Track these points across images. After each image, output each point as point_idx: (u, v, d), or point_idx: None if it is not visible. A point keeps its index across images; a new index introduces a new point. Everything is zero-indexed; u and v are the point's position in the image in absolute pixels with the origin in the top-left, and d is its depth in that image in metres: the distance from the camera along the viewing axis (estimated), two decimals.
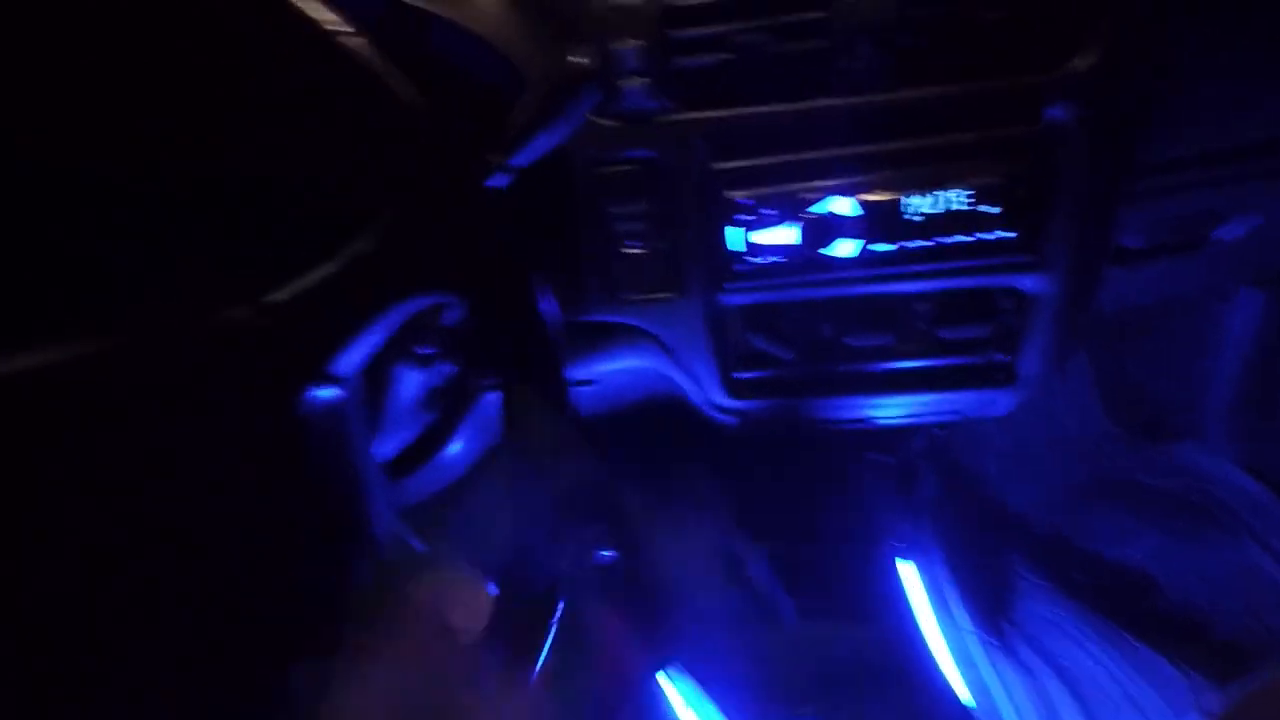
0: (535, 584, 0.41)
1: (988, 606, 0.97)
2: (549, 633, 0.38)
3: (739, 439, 0.81)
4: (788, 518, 0.91)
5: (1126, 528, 1.10)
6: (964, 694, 0.90)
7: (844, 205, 0.54)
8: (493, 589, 0.37)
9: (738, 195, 0.54)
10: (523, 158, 0.43)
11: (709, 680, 0.82)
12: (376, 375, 0.53)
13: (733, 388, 0.65)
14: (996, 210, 0.54)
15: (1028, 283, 0.59)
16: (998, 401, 0.68)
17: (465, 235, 0.34)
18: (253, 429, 0.29)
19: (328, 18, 0.32)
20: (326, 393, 0.31)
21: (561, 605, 0.40)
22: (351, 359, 0.31)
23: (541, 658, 0.37)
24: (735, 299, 0.61)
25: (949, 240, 0.55)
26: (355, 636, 0.33)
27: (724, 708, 0.80)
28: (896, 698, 0.83)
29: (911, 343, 0.63)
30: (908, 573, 0.94)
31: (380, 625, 0.34)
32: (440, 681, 0.34)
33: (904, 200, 0.54)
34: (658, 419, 0.83)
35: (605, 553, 0.47)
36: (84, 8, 0.24)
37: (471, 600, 0.39)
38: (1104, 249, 0.58)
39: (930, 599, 0.94)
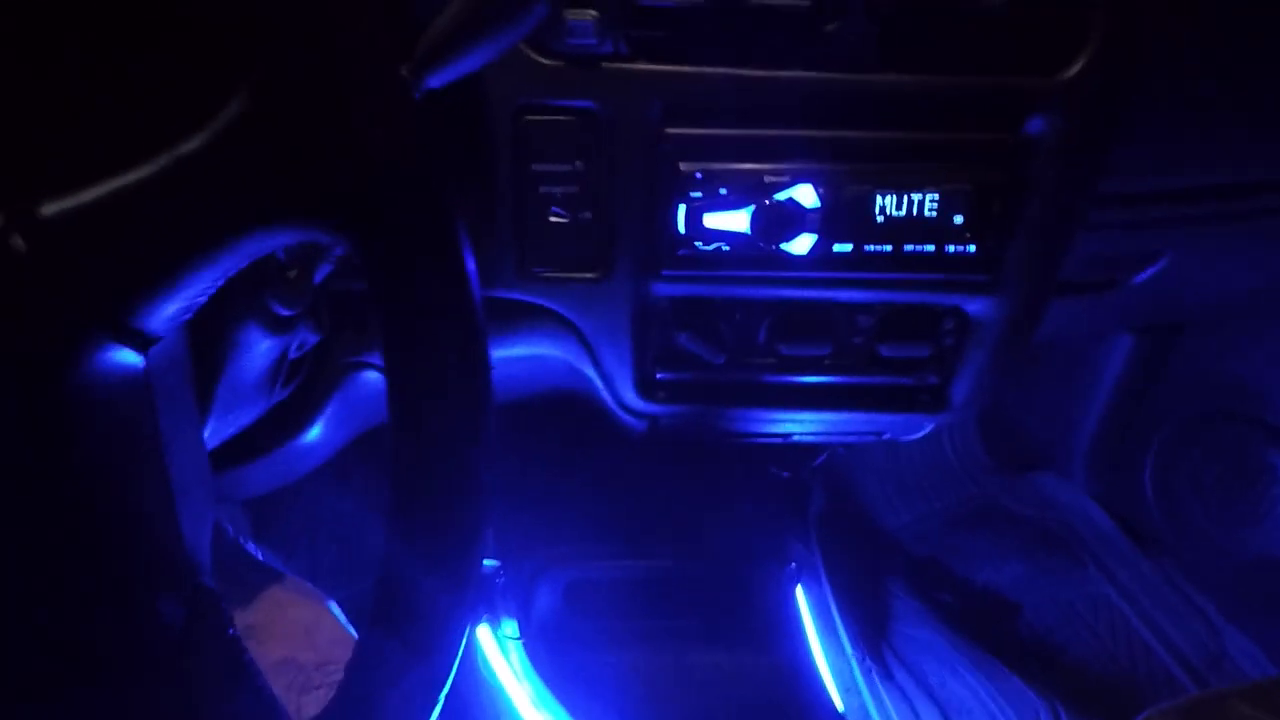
0: None
1: (868, 629, 0.96)
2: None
3: (638, 445, 0.74)
4: (677, 532, 0.84)
5: (994, 553, 1.13)
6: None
7: (807, 195, 0.47)
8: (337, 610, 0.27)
9: (693, 168, 0.46)
10: (441, 75, 0.33)
11: (582, 705, 0.75)
12: (212, 336, 0.41)
13: (649, 390, 0.57)
14: (960, 220, 0.50)
15: (976, 305, 0.55)
16: (921, 425, 0.65)
17: (355, 149, 0.24)
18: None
19: None
20: (122, 355, 0.20)
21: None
22: (166, 310, 0.20)
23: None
24: (669, 290, 0.53)
25: (910, 249, 0.50)
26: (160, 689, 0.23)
27: None
28: None
29: (849, 356, 0.57)
30: (799, 594, 0.91)
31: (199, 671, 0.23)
32: None
33: (871, 198, 0.48)
34: (555, 414, 0.75)
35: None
36: None
37: (314, 626, 0.28)
38: (1054, 278, 0.56)
39: (815, 620, 0.91)
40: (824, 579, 0.93)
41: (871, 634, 0.96)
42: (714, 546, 0.86)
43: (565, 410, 0.70)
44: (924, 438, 1.13)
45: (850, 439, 0.70)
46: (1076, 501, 1.19)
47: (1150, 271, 0.73)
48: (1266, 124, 0.58)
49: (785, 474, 0.91)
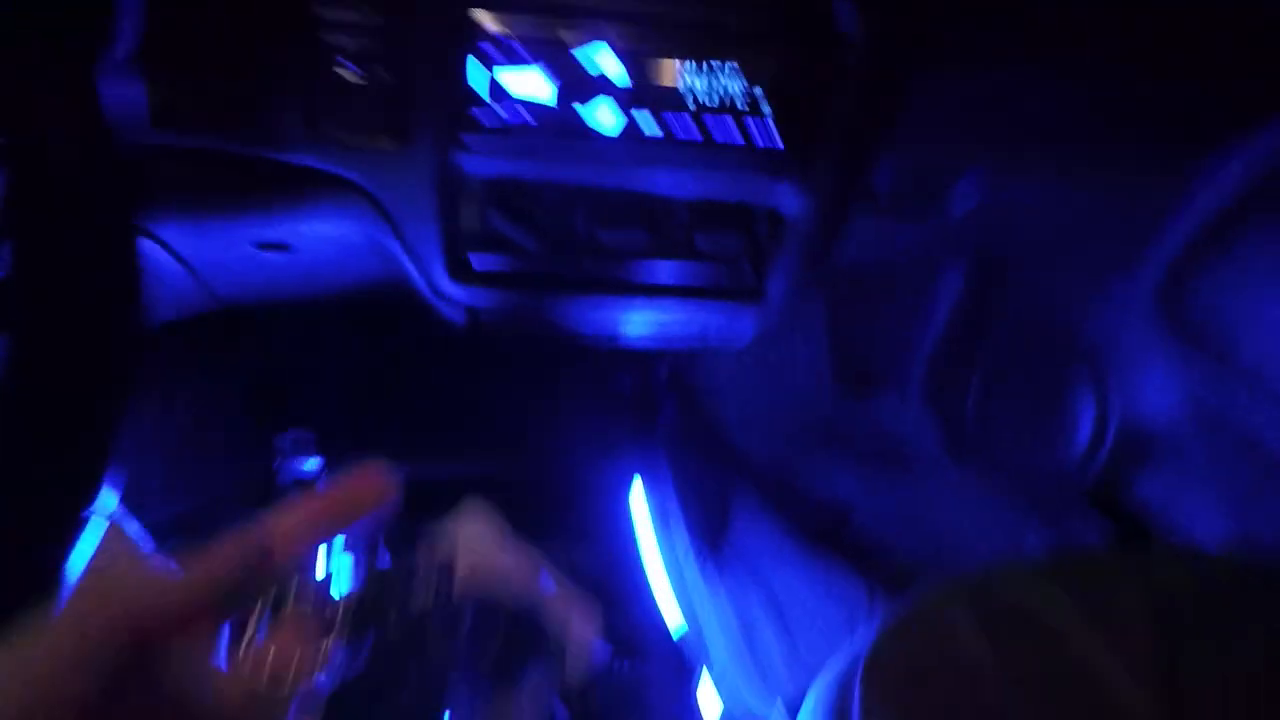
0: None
1: (708, 530, 1.00)
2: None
3: (473, 345, 0.72)
4: (517, 436, 0.84)
5: (835, 468, 1.20)
6: (674, 615, 0.91)
7: (610, 63, 0.46)
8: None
9: (485, 20, 0.44)
10: None
11: None
12: None
13: (462, 272, 0.55)
14: (768, 112, 0.50)
15: (786, 203, 0.56)
16: (742, 324, 0.66)
17: None
18: None
19: None
20: None
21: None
22: None
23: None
24: (476, 166, 0.51)
25: (721, 140, 0.50)
26: None
27: None
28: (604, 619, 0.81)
29: (667, 246, 0.58)
30: (634, 494, 0.93)
31: None
32: None
33: (677, 74, 0.47)
34: (382, 311, 0.71)
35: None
36: None
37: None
38: (861, 181, 0.57)
39: (654, 520, 0.94)
40: (665, 481, 0.96)
41: (709, 532, 1.00)
42: (554, 451, 0.86)
43: (393, 308, 0.68)
44: (770, 365, 1.17)
45: (681, 342, 0.71)
46: (910, 420, 1.27)
47: (966, 200, 0.76)
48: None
49: (630, 381, 0.92)
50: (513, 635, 0.27)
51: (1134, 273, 0.89)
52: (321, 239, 0.56)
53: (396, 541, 0.26)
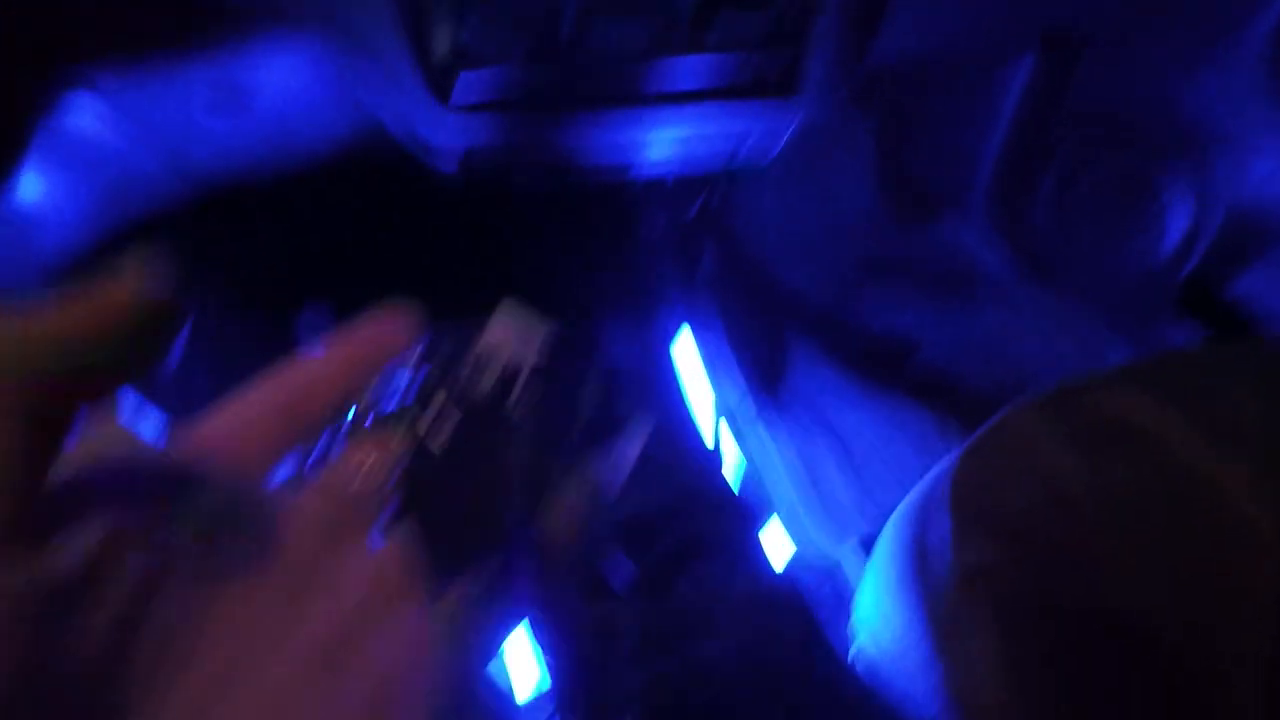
0: None
1: (764, 374, 0.95)
2: None
3: (486, 200, 0.66)
4: (544, 291, 0.79)
5: (893, 301, 1.12)
6: (732, 464, 0.88)
7: None
8: None
9: None
10: None
11: None
12: None
13: (440, 90, 0.48)
14: None
15: None
16: (774, 127, 0.58)
17: None
18: None
19: None
20: None
21: None
22: None
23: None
24: None
25: None
26: None
27: None
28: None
29: (672, 41, 0.49)
30: (682, 346, 0.88)
31: None
32: None
33: None
34: (374, 178, 0.65)
35: None
36: None
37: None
38: None
39: (705, 369, 0.90)
40: (714, 327, 0.91)
41: (765, 376, 0.95)
42: (588, 304, 0.81)
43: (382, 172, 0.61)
44: (813, 195, 1.08)
45: (707, 163, 0.62)
46: (973, 243, 1.17)
47: None
48: None
49: (663, 222, 0.84)
50: (567, 423, 0.28)
51: (1239, 39, 0.75)
52: (280, 95, 0.50)
53: (442, 349, 0.26)
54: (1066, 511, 0.44)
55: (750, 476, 0.89)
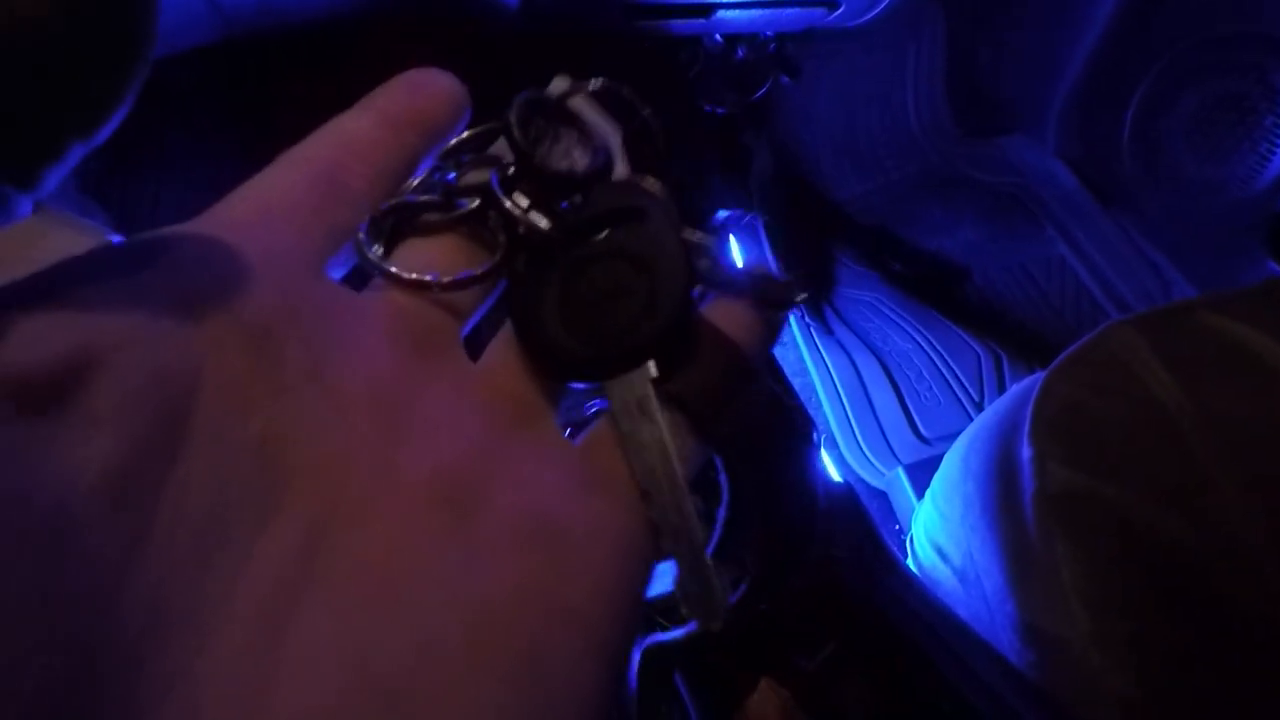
0: None
1: (810, 289, 0.89)
2: None
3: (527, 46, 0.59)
4: None
5: (947, 221, 1.04)
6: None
7: None
8: None
9: None
10: None
11: None
12: None
13: None
14: None
15: None
16: None
17: None
18: None
19: None
20: None
21: None
22: None
23: None
24: None
25: None
26: None
27: None
28: None
29: None
30: (732, 247, 0.82)
31: None
32: None
33: None
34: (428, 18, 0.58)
35: None
36: None
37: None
38: None
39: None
40: (761, 236, 0.84)
41: (811, 294, 0.90)
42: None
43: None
44: (880, 89, 0.98)
45: (788, 20, 0.55)
46: (1042, 162, 1.08)
47: None
48: None
49: (722, 111, 0.76)
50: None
51: None
52: None
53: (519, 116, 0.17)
54: (1168, 437, 0.40)
55: (799, 389, 0.84)
